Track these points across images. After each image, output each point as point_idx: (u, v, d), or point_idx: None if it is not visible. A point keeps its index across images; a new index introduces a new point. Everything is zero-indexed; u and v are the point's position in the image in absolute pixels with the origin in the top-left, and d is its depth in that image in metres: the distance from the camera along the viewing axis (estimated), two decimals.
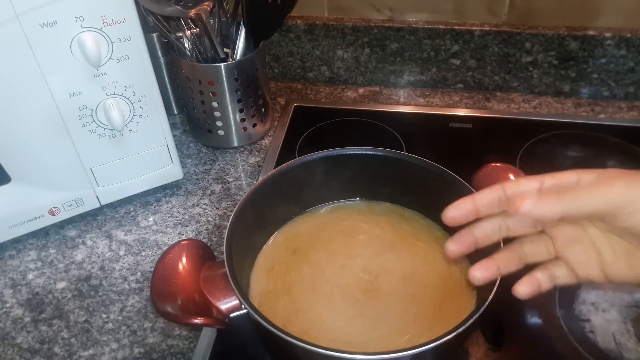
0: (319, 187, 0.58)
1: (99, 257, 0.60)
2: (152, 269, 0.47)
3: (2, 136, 0.53)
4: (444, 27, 0.79)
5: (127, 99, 0.57)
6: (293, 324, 0.48)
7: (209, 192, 0.68)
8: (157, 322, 0.53)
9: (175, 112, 0.83)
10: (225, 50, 0.70)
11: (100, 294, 0.56)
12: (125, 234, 0.63)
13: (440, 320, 0.48)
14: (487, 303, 0.41)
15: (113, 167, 0.61)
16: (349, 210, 0.59)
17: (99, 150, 0.58)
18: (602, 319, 0.51)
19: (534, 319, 0.51)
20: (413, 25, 0.80)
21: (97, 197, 0.62)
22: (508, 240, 0.42)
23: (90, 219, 0.65)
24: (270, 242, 0.56)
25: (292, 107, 0.82)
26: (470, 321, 0.40)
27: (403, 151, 0.67)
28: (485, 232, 0.41)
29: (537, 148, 0.72)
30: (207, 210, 0.65)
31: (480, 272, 0.41)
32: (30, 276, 0.58)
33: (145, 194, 0.67)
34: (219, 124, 0.72)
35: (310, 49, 0.86)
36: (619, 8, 0.74)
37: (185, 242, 0.49)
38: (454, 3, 0.79)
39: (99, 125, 0.57)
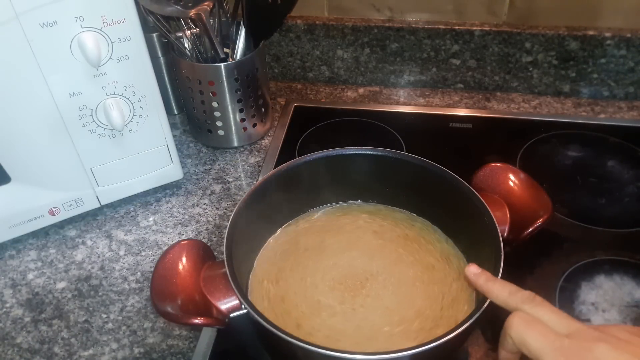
0: (318, 187, 0.58)
1: (99, 257, 0.60)
2: (152, 269, 0.47)
3: (2, 136, 0.53)
4: (444, 27, 0.79)
5: (127, 99, 0.57)
6: (293, 324, 0.48)
7: (209, 192, 0.68)
8: (157, 322, 0.53)
9: (175, 112, 0.83)
10: (225, 50, 0.70)
11: (100, 294, 0.56)
12: (125, 234, 0.63)
13: (439, 319, 0.48)
14: (487, 303, 0.41)
15: (113, 167, 0.61)
16: (349, 211, 0.59)
17: (99, 150, 0.58)
18: (602, 319, 0.51)
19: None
20: (413, 25, 0.80)
21: (97, 197, 0.62)
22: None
23: (90, 219, 0.65)
24: (270, 241, 0.56)
25: (292, 107, 0.82)
26: (470, 321, 0.40)
27: (403, 151, 0.67)
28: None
29: (537, 148, 0.72)
30: (207, 210, 0.65)
31: (475, 270, 0.43)
32: (30, 276, 0.58)
33: (145, 194, 0.67)
34: (219, 124, 0.72)
35: (310, 49, 0.86)
36: (619, 8, 0.74)
37: (185, 242, 0.49)
38: (454, 3, 0.79)
39: (99, 125, 0.57)
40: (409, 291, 0.50)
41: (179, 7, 0.62)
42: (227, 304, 0.44)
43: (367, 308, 0.49)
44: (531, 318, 0.36)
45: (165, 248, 0.57)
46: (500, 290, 0.40)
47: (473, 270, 0.43)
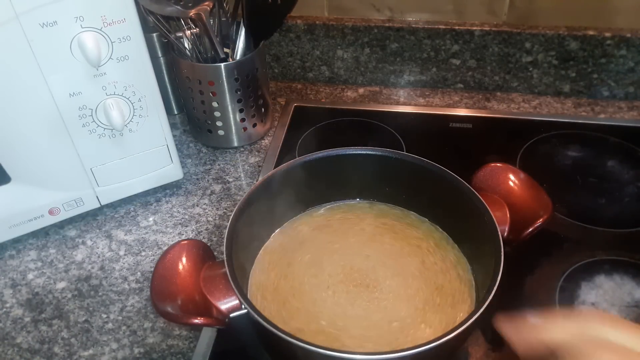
0: (318, 187, 0.58)
1: (99, 257, 0.60)
2: (152, 269, 0.47)
3: (2, 136, 0.53)
4: (444, 27, 0.79)
5: (127, 99, 0.57)
6: (293, 324, 0.48)
7: (209, 192, 0.68)
8: (157, 322, 0.53)
9: (175, 112, 0.83)
10: (225, 50, 0.70)
11: (100, 294, 0.56)
12: (125, 234, 0.63)
13: (438, 319, 0.48)
14: (487, 303, 0.41)
15: (113, 167, 0.61)
16: (349, 211, 0.59)
17: (99, 150, 0.58)
18: None
19: (534, 319, 0.51)
20: (413, 25, 0.80)
21: (97, 197, 0.62)
22: None
23: (90, 219, 0.65)
24: (270, 241, 0.56)
25: (292, 107, 0.82)
26: (470, 321, 0.40)
27: (403, 151, 0.67)
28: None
29: (537, 148, 0.72)
30: (207, 210, 0.65)
31: (511, 320, 0.36)
32: (30, 276, 0.58)
33: (145, 194, 0.67)
34: (219, 124, 0.72)
35: (310, 49, 0.86)
36: (619, 8, 0.74)
37: (185, 242, 0.49)
38: (454, 3, 0.79)
39: (99, 125, 0.57)
40: (408, 289, 0.50)
41: (179, 7, 0.62)
42: (227, 304, 0.44)
43: (367, 305, 0.49)
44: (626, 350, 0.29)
45: (165, 248, 0.57)
46: (564, 325, 0.32)
47: (507, 321, 0.35)
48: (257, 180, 0.65)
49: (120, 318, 0.54)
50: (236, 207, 0.50)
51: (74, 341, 0.52)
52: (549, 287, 0.54)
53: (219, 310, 0.44)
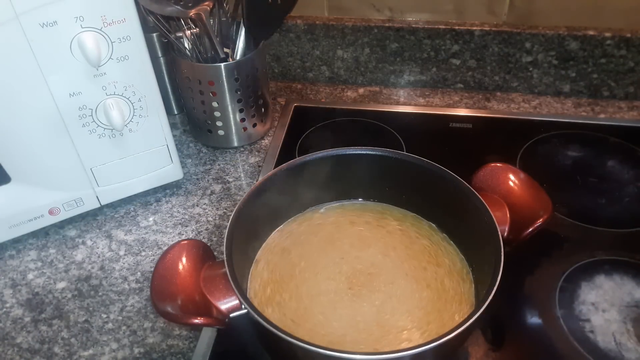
0: (318, 187, 0.58)
1: (99, 257, 0.60)
2: (152, 269, 0.47)
3: (2, 136, 0.53)
4: (444, 27, 0.79)
5: (127, 99, 0.57)
6: (293, 323, 0.48)
7: (209, 192, 0.68)
8: (157, 322, 0.53)
9: (175, 112, 0.83)
10: (225, 50, 0.70)
11: (100, 294, 0.56)
12: (125, 234, 0.63)
13: (438, 319, 0.48)
14: (487, 303, 0.41)
15: (113, 167, 0.61)
16: (349, 210, 0.59)
17: (99, 150, 0.58)
18: (602, 319, 0.51)
19: (534, 319, 0.51)
20: (413, 25, 0.80)
21: (97, 197, 0.62)
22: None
23: (90, 219, 0.65)
24: (270, 241, 0.56)
25: (292, 107, 0.82)
26: (470, 321, 0.40)
27: (403, 151, 0.67)
28: None
29: (537, 148, 0.72)
30: (207, 210, 0.66)
31: None
32: (30, 276, 0.58)
33: (145, 194, 0.67)
34: (219, 124, 0.72)
35: (310, 49, 0.86)
36: (619, 8, 0.74)
37: (185, 242, 0.49)
38: (454, 3, 0.79)
39: (99, 125, 0.57)
40: (408, 289, 0.50)
41: (179, 7, 0.62)
42: (227, 304, 0.44)
43: (367, 305, 0.49)
44: None
45: (165, 248, 0.57)
46: None
47: None
48: (257, 180, 0.65)
49: (120, 318, 0.54)
50: (236, 207, 0.50)
51: (74, 341, 0.52)
52: (549, 287, 0.54)
53: (219, 310, 0.44)
